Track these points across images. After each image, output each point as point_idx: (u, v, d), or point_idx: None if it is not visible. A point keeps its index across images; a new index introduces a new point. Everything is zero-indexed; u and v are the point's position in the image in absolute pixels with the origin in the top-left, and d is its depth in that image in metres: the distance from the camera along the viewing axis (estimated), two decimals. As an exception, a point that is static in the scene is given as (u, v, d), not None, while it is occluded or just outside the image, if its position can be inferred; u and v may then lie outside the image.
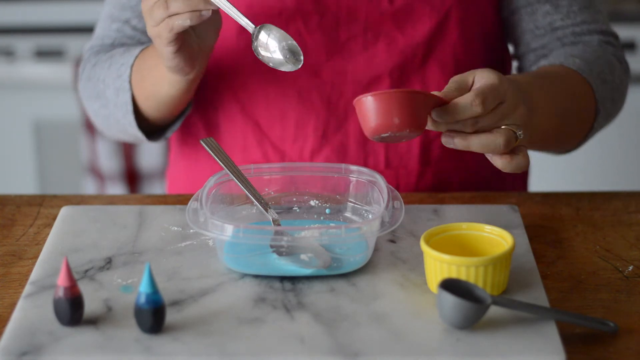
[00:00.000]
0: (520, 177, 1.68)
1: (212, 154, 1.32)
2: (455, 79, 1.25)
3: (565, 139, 1.50)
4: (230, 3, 1.30)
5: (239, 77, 1.53)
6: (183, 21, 1.30)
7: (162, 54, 1.36)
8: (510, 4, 1.55)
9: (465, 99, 1.22)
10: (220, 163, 1.32)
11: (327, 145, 1.53)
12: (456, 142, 1.24)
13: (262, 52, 1.31)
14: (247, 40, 1.51)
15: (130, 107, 1.50)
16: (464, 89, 1.24)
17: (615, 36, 1.58)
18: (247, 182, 1.31)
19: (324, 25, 1.49)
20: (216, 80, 1.55)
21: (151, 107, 1.50)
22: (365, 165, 1.53)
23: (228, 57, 1.53)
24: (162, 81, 1.44)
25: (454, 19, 1.50)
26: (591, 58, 1.51)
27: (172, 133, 1.57)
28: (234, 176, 1.31)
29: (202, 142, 1.34)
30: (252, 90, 1.53)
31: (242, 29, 1.50)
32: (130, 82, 1.49)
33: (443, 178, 1.56)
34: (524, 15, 1.55)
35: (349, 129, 1.52)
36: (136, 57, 1.50)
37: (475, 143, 1.24)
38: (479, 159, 1.54)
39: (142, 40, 1.57)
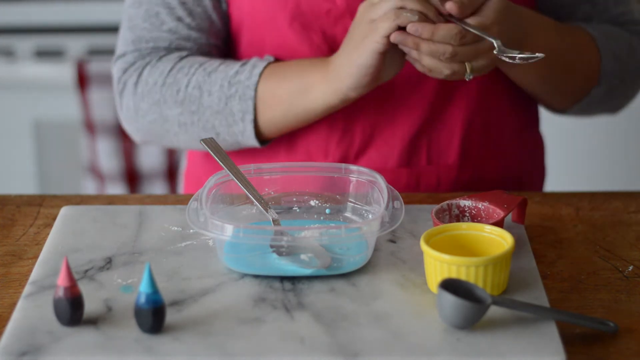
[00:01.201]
0: (538, 176, 1.67)
1: (213, 154, 1.32)
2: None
3: (554, 85, 1.50)
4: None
5: None
6: (412, 16, 1.31)
7: (361, 53, 1.36)
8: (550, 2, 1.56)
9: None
10: (221, 163, 1.32)
11: (373, 145, 1.52)
12: (408, 42, 1.35)
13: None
14: (294, 45, 1.51)
15: (250, 116, 1.47)
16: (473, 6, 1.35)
17: None
18: (247, 182, 1.31)
19: None
20: None
21: (276, 115, 1.48)
22: (408, 163, 1.53)
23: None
24: (316, 92, 1.44)
25: None
26: (613, 34, 1.53)
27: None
28: (234, 176, 1.31)
29: (202, 142, 1.34)
30: None
31: (289, 28, 1.51)
32: (256, 89, 1.47)
33: (481, 174, 1.56)
34: (562, 16, 1.56)
35: (397, 128, 1.51)
36: (265, 66, 1.48)
37: (425, 59, 1.36)
38: (515, 154, 1.58)
39: (199, 41, 1.53)
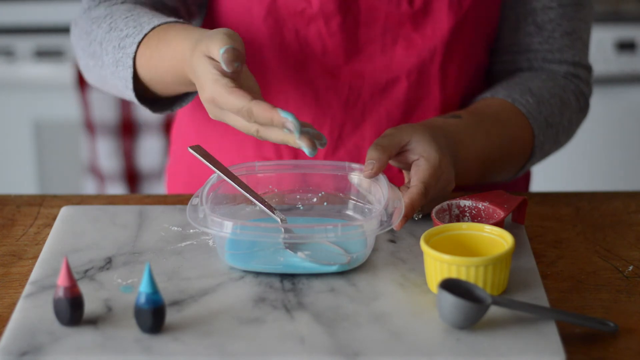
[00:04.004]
0: (523, 179, 1.68)
1: (204, 161, 1.31)
2: (385, 142, 1.31)
3: (490, 179, 1.51)
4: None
5: (256, 75, 1.52)
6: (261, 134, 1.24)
7: (198, 85, 1.27)
8: (502, 11, 1.56)
9: (416, 196, 1.28)
10: (215, 170, 1.30)
11: (342, 147, 1.53)
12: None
13: None
14: (264, 40, 1.50)
15: (130, 85, 1.42)
16: (394, 149, 1.31)
17: (587, 69, 1.58)
18: (244, 185, 1.31)
19: (344, 27, 1.48)
20: None
21: (158, 87, 1.43)
22: None
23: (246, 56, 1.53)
24: (176, 79, 1.37)
25: (470, 20, 1.50)
26: (546, 96, 1.51)
27: (180, 107, 1.49)
28: (232, 181, 1.30)
29: (190, 150, 1.33)
30: (268, 90, 1.53)
31: (262, 23, 1.50)
32: (134, 59, 1.41)
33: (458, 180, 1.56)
34: (505, 31, 1.55)
35: (365, 132, 1.52)
36: (146, 34, 1.40)
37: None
38: None
39: None
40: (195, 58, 1.26)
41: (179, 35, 1.34)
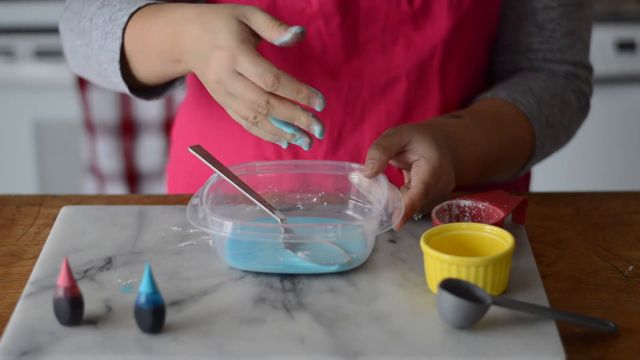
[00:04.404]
0: (523, 179, 1.68)
1: (204, 161, 1.31)
2: (385, 142, 1.31)
3: (490, 179, 1.51)
4: None
5: None
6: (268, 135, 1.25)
7: (203, 56, 1.25)
8: (503, 11, 1.56)
9: (416, 197, 1.28)
10: (215, 170, 1.30)
11: (341, 147, 1.53)
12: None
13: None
14: (263, 40, 1.50)
15: (117, 56, 1.38)
16: (394, 149, 1.31)
17: (587, 68, 1.58)
18: (243, 184, 1.31)
19: (344, 26, 1.48)
20: None
21: (139, 64, 1.39)
22: None
23: None
24: (161, 52, 1.34)
25: (470, 20, 1.50)
26: (547, 96, 1.51)
27: (168, 94, 1.46)
28: (232, 181, 1.30)
29: (190, 150, 1.33)
30: None
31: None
32: (124, 30, 1.37)
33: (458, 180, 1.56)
34: (506, 31, 1.55)
35: (365, 131, 1.52)
36: (139, 8, 1.37)
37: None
38: None
39: None
40: (216, 20, 1.24)
41: (177, 6, 1.32)
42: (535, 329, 1.14)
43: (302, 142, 1.25)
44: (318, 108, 1.21)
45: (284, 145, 1.26)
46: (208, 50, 1.25)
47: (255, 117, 1.24)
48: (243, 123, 1.26)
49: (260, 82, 1.21)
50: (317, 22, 1.48)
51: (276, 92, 1.21)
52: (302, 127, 1.24)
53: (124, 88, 1.42)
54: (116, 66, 1.39)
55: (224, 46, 1.23)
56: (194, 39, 1.27)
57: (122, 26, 1.37)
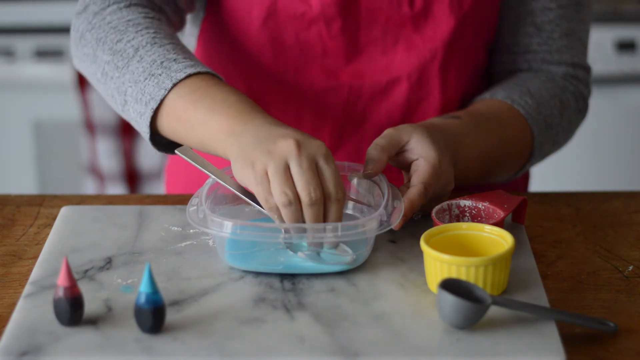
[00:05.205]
0: (523, 179, 1.68)
1: (193, 163, 1.29)
2: (384, 142, 1.31)
3: (490, 179, 1.51)
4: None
5: (256, 77, 1.52)
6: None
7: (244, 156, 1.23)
8: (501, 12, 1.56)
9: (416, 197, 1.28)
10: (206, 171, 1.29)
11: (342, 148, 1.53)
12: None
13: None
14: (264, 42, 1.50)
15: (154, 105, 1.35)
16: (394, 149, 1.31)
17: (586, 69, 1.58)
18: (236, 185, 1.30)
19: (345, 29, 1.48)
20: (232, 79, 1.54)
21: (180, 132, 1.35)
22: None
23: (245, 57, 1.53)
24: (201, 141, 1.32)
25: (470, 22, 1.50)
26: (545, 97, 1.51)
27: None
28: (226, 183, 1.29)
29: (177, 152, 1.31)
30: (268, 90, 1.52)
31: (262, 25, 1.49)
32: (173, 86, 1.34)
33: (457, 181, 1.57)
34: (505, 32, 1.55)
35: (365, 133, 1.52)
36: (192, 74, 1.34)
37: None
38: None
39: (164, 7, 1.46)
40: (274, 140, 1.23)
41: (230, 106, 1.31)
42: (535, 329, 1.14)
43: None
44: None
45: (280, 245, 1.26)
46: (274, 137, 1.23)
47: (275, 211, 1.23)
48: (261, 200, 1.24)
49: (304, 192, 1.21)
50: (318, 25, 1.48)
51: (308, 209, 1.21)
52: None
53: (142, 130, 1.38)
54: (149, 113, 1.35)
55: (292, 135, 1.23)
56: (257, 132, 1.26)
57: (174, 81, 1.34)
